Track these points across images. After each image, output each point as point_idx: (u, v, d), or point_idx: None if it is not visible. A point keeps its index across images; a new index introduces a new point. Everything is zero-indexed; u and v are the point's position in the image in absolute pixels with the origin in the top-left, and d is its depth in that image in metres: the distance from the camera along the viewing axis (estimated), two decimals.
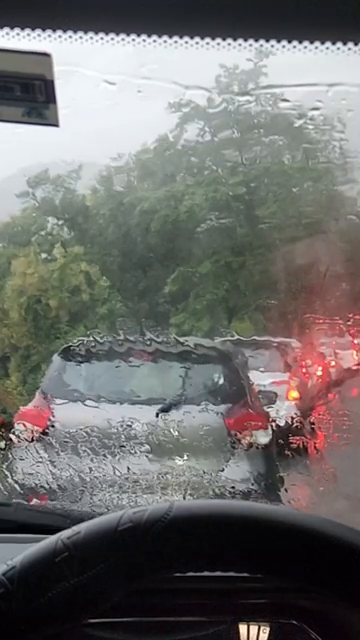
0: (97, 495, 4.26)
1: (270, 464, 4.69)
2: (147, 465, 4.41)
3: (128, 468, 4.32)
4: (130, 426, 4.43)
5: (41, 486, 4.23)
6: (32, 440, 4.52)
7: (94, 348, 5.10)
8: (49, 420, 4.65)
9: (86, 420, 4.50)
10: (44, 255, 18.83)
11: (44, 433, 4.59)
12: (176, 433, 4.51)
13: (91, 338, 5.03)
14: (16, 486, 4.33)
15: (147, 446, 4.44)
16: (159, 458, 4.44)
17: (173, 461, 4.43)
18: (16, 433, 4.67)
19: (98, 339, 5.18)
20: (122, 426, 4.47)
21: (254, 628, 1.41)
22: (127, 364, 4.76)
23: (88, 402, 4.72)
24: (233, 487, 4.31)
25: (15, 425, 4.73)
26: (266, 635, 1.41)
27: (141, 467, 4.38)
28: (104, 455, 4.39)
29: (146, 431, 4.44)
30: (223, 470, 4.42)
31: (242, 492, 4.36)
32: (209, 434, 4.53)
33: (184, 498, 4.26)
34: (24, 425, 4.70)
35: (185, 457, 4.49)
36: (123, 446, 4.50)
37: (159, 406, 4.49)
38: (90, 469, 4.33)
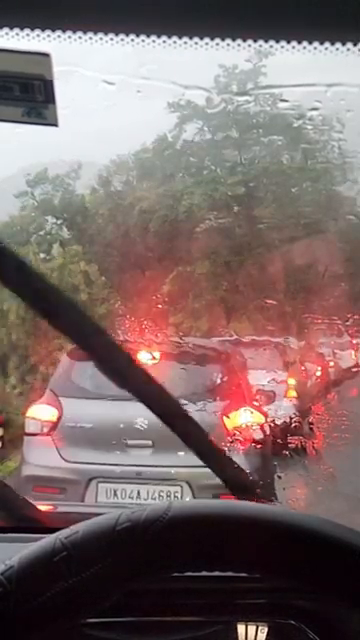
0: (103, 485, 4.55)
1: (265, 459, 4.81)
2: (149, 459, 4.59)
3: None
4: (133, 422, 4.59)
5: (49, 478, 4.51)
6: (42, 434, 4.72)
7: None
8: (58, 416, 4.82)
9: (92, 416, 4.71)
10: (43, 255, 18.82)
11: (54, 428, 4.75)
12: None
13: None
14: (24, 479, 4.52)
15: (149, 441, 4.61)
16: (160, 452, 4.60)
17: (173, 455, 4.56)
18: (27, 428, 4.89)
19: None
20: (124, 423, 4.63)
21: (252, 628, 1.41)
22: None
23: (94, 399, 4.89)
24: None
25: (26, 420, 4.93)
26: (264, 635, 1.41)
27: (144, 460, 4.58)
28: (108, 450, 4.57)
29: (148, 427, 4.59)
30: None
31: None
32: (207, 430, 4.64)
33: (183, 489, 4.43)
34: (35, 420, 4.89)
35: (185, 452, 4.58)
36: (125, 443, 4.67)
37: None
38: (96, 462, 4.55)
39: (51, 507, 1.99)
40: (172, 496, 4.59)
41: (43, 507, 1.56)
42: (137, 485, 4.62)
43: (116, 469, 4.61)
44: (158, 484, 4.56)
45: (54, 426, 4.79)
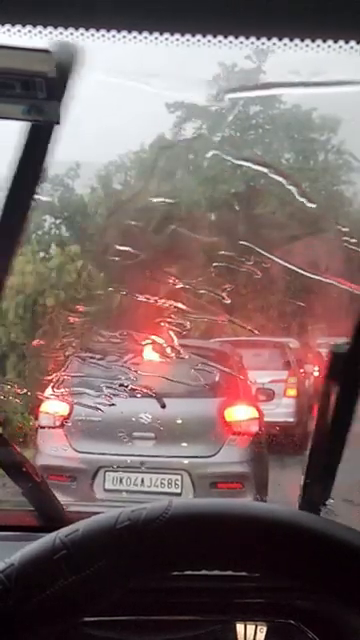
0: (110, 474, 4.99)
1: (260, 454, 5.11)
2: (152, 450, 4.95)
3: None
4: (138, 417, 4.92)
5: (61, 467, 4.94)
6: (55, 427, 5.13)
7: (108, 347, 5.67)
8: (69, 410, 5.17)
9: (101, 411, 4.97)
10: (42, 254, 18.81)
11: (65, 422, 5.15)
12: (178, 422, 5.03)
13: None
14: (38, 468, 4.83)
15: (152, 434, 4.97)
16: (162, 444, 4.96)
17: (174, 447, 4.97)
18: (41, 421, 5.32)
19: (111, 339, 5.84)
20: (130, 417, 4.94)
21: (251, 628, 1.40)
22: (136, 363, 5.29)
23: (103, 396, 5.28)
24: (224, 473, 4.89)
25: (40, 415, 5.35)
26: (263, 634, 1.41)
27: (148, 451, 4.93)
28: (115, 441, 4.94)
29: (151, 421, 4.93)
30: (216, 455, 4.91)
31: (232, 475, 4.91)
32: (206, 424, 5.07)
33: (182, 478, 4.76)
34: (48, 414, 5.31)
35: (185, 443, 5.01)
36: (131, 435, 4.97)
37: (164, 400, 4.97)
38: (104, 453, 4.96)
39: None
40: (173, 484, 4.90)
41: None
42: (141, 474, 4.98)
43: (122, 459, 4.99)
44: (160, 473, 4.89)
45: (65, 420, 5.15)
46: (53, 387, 4.78)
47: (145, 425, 4.89)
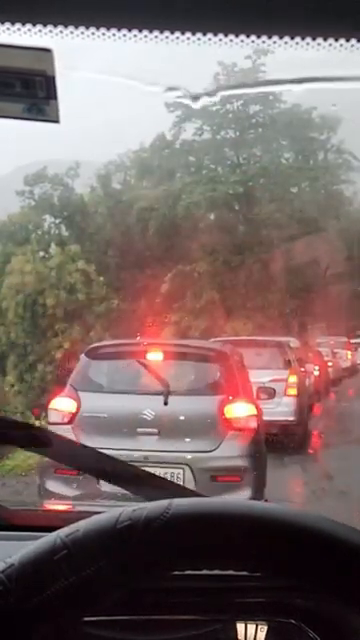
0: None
1: (258, 450, 5.26)
2: (155, 445, 5.09)
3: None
4: (141, 413, 5.11)
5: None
6: (63, 424, 5.28)
7: (114, 348, 6.01)
8: (77, 407, 5.36)
9: (106, 408, 5.27)
10: (42, 254, 18.83)
11: (73, 418, 5.32)
12: (180, 419, 5.21)
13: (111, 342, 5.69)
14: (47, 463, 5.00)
15: (155, 429, 5.13)
16: (165, 439, 5.12)
17: (176, 442, 5.11)
18: (50, 418, 5.51)
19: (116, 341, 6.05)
20: (134, 414, 5.14)
21: (252, 627, 1.40)
22: (141, 363, 5.47)
23: (108, 393, 5.54)
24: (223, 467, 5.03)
25: (49, 412, 5.55)
26: (264, 634, 1.40)
27: (151, 446, 5.06)
28: (120, 437, 5.07)
29: (154, 418, 5.11)
30: (216, 449, 5.06)
31: (231, 469, 5.02)
32: (206, 420, 5.20)
33: (184, 471, 4.94)
34: (57, 411, 5.48)
35: (186, 439, 5.15)
36: (135, 431, 5.12)
37: (166, 397, 5.14)
38: (109, 447, 5.12)
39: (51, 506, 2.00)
40: (175, 477, 5.05)
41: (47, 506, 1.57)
42: (145, 468, 5.09)
43: (127, 453, 5.19)
44: (163, 467, 5.00)
45: (73, 416, 5.34)
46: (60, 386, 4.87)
47: (149, 421, 5.10)
